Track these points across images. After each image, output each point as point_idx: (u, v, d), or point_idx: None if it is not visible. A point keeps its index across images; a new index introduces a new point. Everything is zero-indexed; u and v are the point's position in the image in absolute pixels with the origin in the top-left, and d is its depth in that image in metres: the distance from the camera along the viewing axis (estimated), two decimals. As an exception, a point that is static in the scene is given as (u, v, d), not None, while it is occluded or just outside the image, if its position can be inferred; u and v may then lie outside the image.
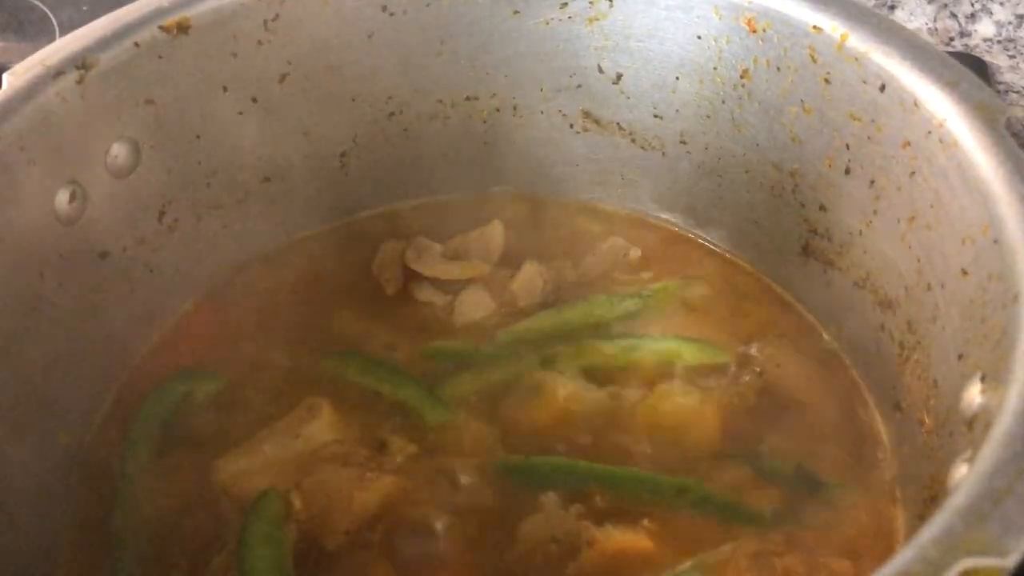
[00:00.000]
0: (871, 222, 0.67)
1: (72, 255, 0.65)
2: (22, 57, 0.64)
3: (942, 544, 0.39)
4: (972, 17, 1.13)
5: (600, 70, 0.79)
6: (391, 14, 0.76)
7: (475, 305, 0.77)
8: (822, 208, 0.72)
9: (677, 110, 0.78)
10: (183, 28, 0.68)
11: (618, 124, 0.81)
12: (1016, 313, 0.49)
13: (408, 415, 0.69)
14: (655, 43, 0.75)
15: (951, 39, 1.14)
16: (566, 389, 0.70)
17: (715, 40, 0.72)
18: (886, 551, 0.61)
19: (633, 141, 0.81)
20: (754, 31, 0.70)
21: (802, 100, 0.69)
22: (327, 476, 0.64)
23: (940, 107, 0.59)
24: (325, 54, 0.75)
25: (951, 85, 0.59)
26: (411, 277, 0.79)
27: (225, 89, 0.72)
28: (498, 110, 0.82)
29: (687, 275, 0.79)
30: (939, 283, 0.60)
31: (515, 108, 0.82)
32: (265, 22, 0.72)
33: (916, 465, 0.61)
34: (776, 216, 0.76)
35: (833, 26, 0.65)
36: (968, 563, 0.38)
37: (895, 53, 0.62)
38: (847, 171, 0.68)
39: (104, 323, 0.70)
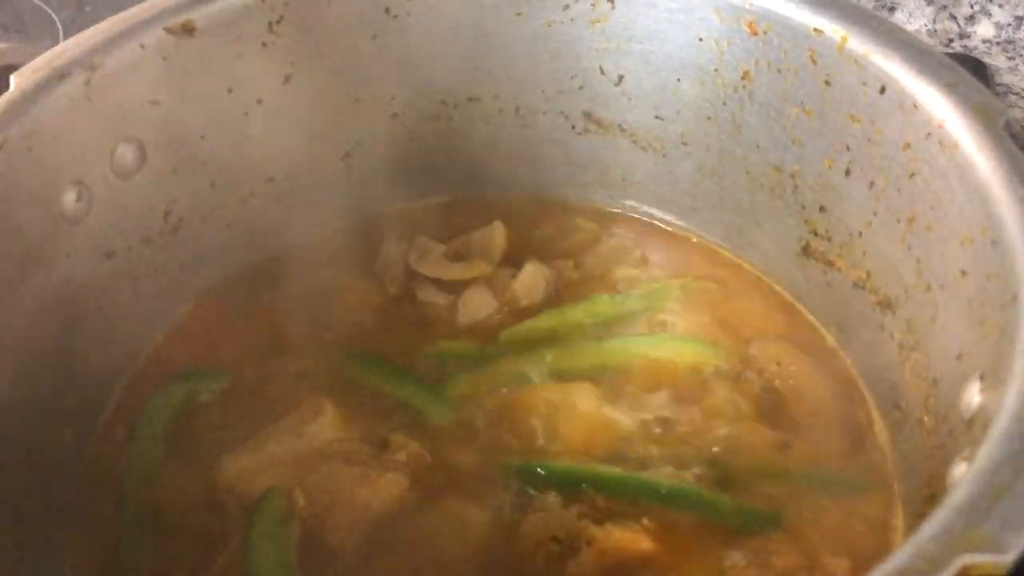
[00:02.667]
0: (871, 223, 0.68)
1: (78, 255, 0.66)
2: (25, 58, 0.64)
3: (941, 541, 0.39)
4: (971, 19, 1.14)
5: (602, 72, 0.79)
6: (394, 16, 0.76)
7: (477, 305, 0.77)
8: (822, 209, 0.72)
9: (678, 111, 0.78)
10: (188, 30, 0.68)
11: (620, 125, 0.81)
12: (1015, 313, 0.49)
13: (411, 414, 0.69)
14: (656, 45, 0.76)
15: (950, 40, 1.14)
16: (567, 390, 0.70)
17: (716, 42, 0.73)
18: (886, 549, 0.62)
19: (634, 142, 0.82)
20: (755, 33, 0.70)
21: (802, 102, 0.70)
22: (330, 474, 0.65)
23: (939, 109, 0.59)
24: (329, 56, 0.76)
25: (950, 87, 0.60)
26: (413, 277, 0.79)
27: (230, 90, 0.73)
28: (500, 111, 0.83)
29: (688, 275, 0.79)
30: (938, 284, 0.60)
31: (517, 109, 0.83)
32: (269, 24, 0.72)
33: (916, 464, 0.62)
34: (777, 217, 0.76)
35: (833, 28, 0.66)
36: (967, 560, 0.38)
37: (895, 55, 0.63)
38: (847, 172, 0.69)
39: (109, 322, 0.70)
